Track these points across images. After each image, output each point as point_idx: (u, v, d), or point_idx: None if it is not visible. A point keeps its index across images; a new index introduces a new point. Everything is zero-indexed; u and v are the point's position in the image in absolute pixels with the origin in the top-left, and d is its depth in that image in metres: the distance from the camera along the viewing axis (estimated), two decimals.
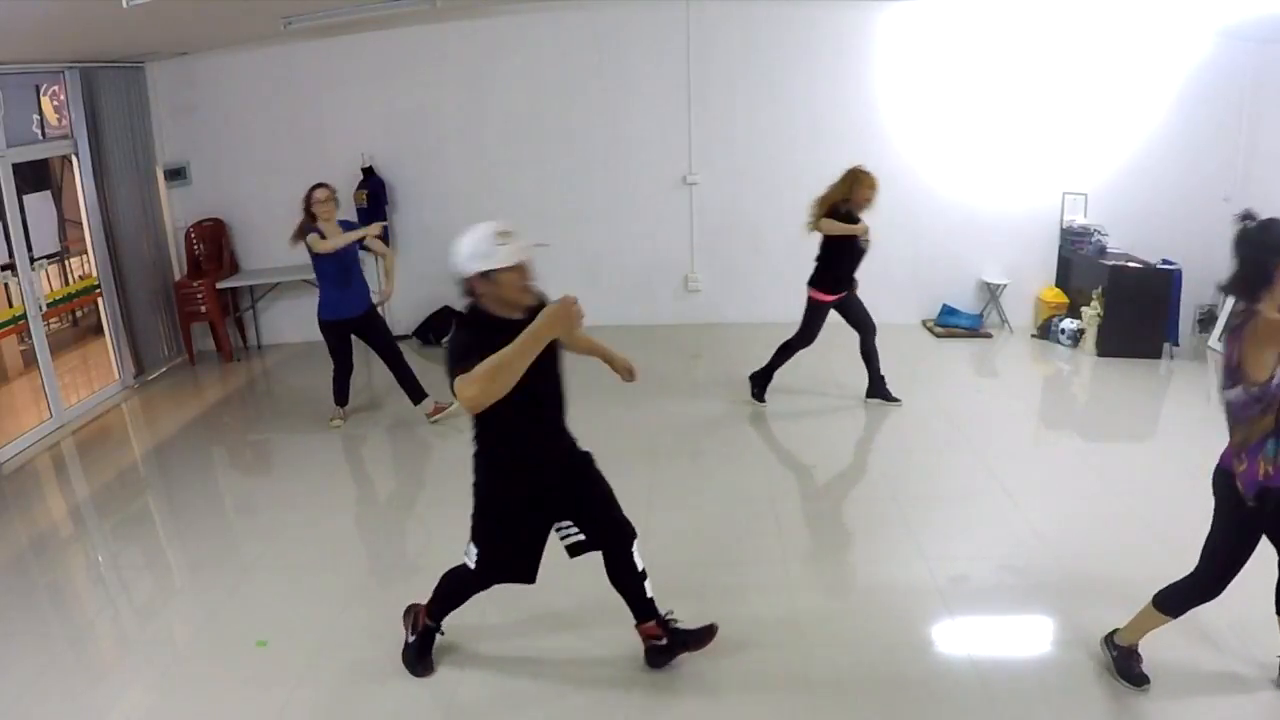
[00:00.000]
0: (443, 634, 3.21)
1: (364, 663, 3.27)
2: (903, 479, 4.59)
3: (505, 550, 2.91)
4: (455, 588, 3.08)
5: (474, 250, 2.58)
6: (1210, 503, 2.76)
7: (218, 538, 4.39)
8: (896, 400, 5.55)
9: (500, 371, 2.38)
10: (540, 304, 2.63)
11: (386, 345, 5.59)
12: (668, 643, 3.09)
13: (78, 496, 5.07)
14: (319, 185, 5.23)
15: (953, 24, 6.74)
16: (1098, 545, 3.88)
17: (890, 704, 2.97)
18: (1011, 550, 3.87)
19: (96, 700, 3.14)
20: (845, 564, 3.95)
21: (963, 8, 6.70)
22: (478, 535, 2.92)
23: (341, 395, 5.68)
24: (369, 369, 7.10)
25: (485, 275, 2.58)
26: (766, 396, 5.64)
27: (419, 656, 3.17)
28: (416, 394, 5.64)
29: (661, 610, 3.09)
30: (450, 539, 4.24)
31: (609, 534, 2.96)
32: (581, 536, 2.95)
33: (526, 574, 2.95)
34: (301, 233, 5.17)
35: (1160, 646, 3.00)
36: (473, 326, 2.61)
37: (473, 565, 2.94)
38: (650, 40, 6.94)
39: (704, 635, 3.10)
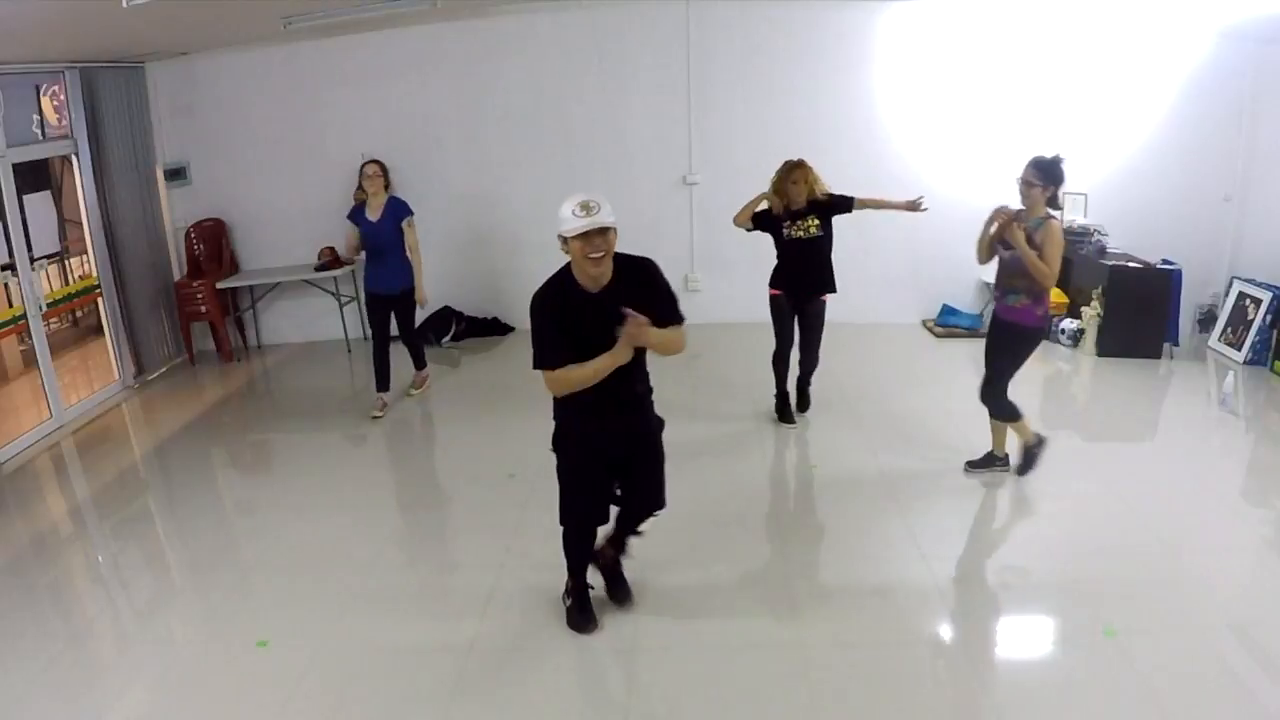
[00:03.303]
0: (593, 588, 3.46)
1: (364, 662, 3.27)
2: (903, 479, 4.58)
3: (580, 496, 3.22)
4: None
5: (559, 214, 2.86)
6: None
7: (218, 538, 4.39)
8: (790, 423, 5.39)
9: (579, 384, 2.92)
10: (619, 285, 2.92)
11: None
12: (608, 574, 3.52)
13: (78, 496, 5.07)
14: (368, 161, 5.67)
15: (953, 24, 6.74)
16: (1098, 545, 3.87)
17: (891, 705, 2.97)
18: (1011, 550, 3.87)
19: (96, 700, 3.14)
20: (845, 564, 3.94)
21: (963, 8, 6.70)
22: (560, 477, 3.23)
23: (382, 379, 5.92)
24: (366, 368, 7.11)
25: (563, 239, 2.87)
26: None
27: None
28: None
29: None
30: (450, 538, 4.27)
31: (644, 503, 3.36)
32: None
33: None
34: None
35: None
36: (552, 295, 2.94)
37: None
38: (650, 40, 6.94)
39: (623, 595, 3.51)
